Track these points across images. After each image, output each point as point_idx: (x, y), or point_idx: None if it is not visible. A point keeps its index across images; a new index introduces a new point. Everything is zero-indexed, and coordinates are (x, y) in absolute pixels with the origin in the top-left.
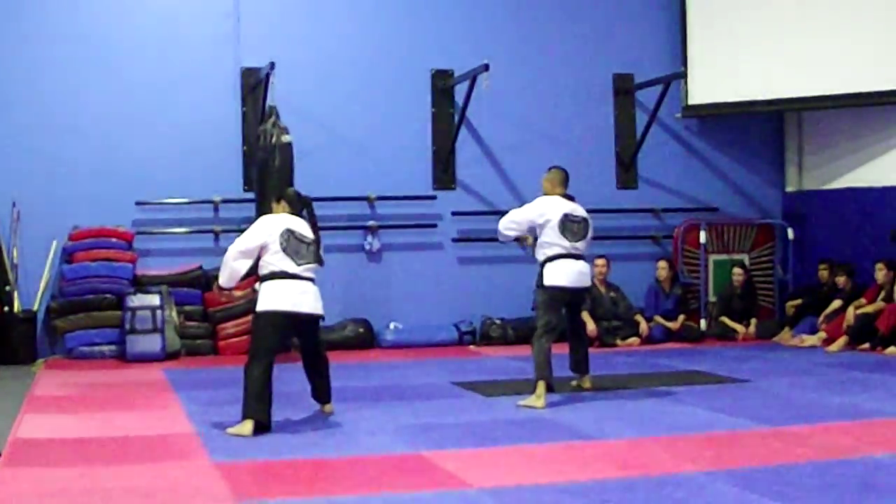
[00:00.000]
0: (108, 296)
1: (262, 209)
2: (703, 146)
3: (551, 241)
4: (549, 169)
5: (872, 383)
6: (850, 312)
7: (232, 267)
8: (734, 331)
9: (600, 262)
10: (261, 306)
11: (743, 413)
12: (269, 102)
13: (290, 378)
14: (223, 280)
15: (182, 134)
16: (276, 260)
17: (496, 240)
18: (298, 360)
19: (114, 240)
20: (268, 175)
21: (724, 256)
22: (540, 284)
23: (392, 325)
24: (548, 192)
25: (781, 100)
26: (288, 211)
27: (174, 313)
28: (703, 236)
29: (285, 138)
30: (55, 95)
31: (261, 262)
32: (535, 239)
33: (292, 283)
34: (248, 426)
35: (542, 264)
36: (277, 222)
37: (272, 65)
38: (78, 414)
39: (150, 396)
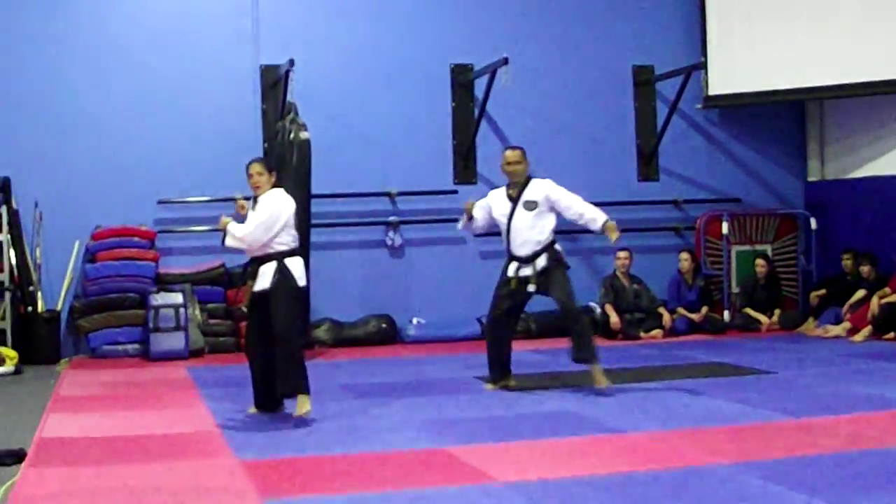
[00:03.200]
0: (131, 295)
1: None
2: (724, 137)
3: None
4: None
5: None
6: (875, 302)
7: (255, 240)
8: (758, 322)
9: (623, 254)
10: (300, 281)
11: (767, 405)
12: (288, 99)
13: (311, 373)
14: (234, 244)
15: (202, 132)
16: (292, 238)
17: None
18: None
19: (136, 239)
20: (285, 172)
21: (746, 247)
22: (565, 265)
23: (414, 321)
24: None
25: (802, 89)
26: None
27: (197, 311)
28: (725, 227)
29: (303, 135)
30: (75, 96)
31: (275, 240)
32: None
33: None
34: (309, 402)
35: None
36: (290, 201)
37: (291, 62)
38: (102, 413)
39: (174, 394)
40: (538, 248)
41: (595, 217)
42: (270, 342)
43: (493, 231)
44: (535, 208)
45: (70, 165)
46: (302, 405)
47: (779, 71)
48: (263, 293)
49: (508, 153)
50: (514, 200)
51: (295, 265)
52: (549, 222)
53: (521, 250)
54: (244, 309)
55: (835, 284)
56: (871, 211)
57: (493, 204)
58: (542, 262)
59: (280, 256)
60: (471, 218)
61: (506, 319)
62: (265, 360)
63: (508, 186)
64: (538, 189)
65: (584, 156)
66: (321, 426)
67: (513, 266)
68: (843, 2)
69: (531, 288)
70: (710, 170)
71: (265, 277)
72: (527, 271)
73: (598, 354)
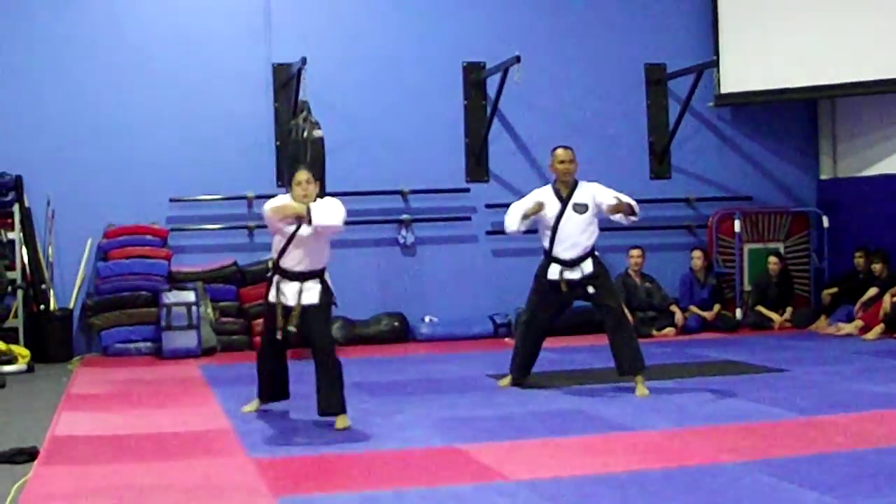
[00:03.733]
0: (143, 293)
1: None
2: (736, 135)
3: None
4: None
5: None
6: (887, 300)
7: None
8: (770, 320)
9: (635, 252)
10: (333, 297)
11: (779, 402)
12: (300, 97)
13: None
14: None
15: (215, 130)
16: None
17: (530, 231)
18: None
19: (148, 237)
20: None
21: (758, 245)
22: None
23: (427, 319)
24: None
25: (814, 87)
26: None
27: (210, 309)
28: (737, 225)
29: (316, 133)
30: (87, 94)
31: (324, 249)
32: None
33: None
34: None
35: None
36: None
37: (304, 60)
38: (115, 411)
39: (187, 393)
40: (585, 252)
41: (633, 202)
42: (284, 351)
43: (504, 229)
44: (585, 211)
45: (82, 163)
46: (343, 421)
47: (791, 69)
48: (305, 308)
49: (562, 151)
50: (563, 201)
51: (329, 281)
52: (596, 226)
53: (568, 253)
54: (293, 329)
55: (847, 282)
56: (883, 209)
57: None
58: (588, 266)
59: (322, 273)
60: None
61: (546, 322)
62: (279, 365)
63: (556, 185)
64: (587, 192)
65: (596, 154)
66: (333, 424)
67: (555, 268)
68: (855, 0)
69: (591, 290)
70: (722, 168)
71: (311, 293)
72: (573, 275)
73: (644, 364)
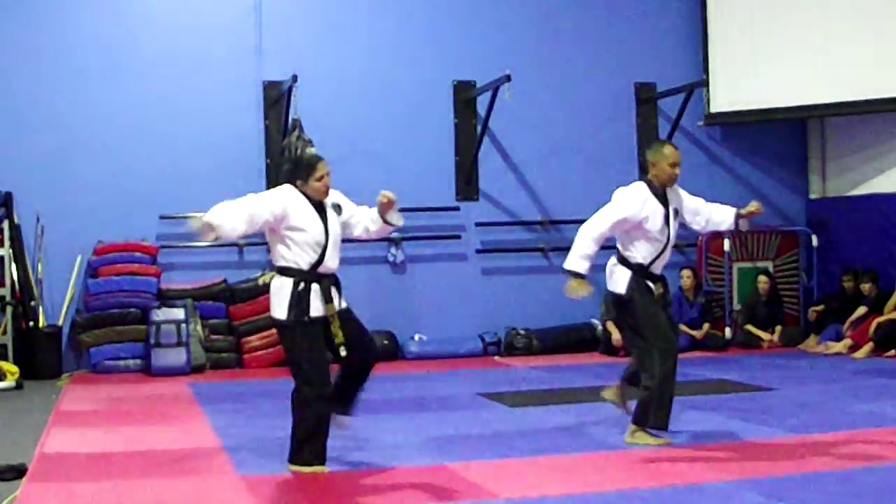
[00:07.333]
0: (132, 310)
1: None
2: (725, 154)
3: None
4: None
5: None
6: (874, 325)
7: None
8: (759, 338)
9: None
10: None
11: (769, 421)
12: (291, 115)
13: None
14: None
15: (205, 148)
16: None
17: (520, 250)
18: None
19: (138, 254)
20: None
21: (748, 264)
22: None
23: (416, 337)
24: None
25: (804, 107)
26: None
27: (199, 327)
28: (726, 244)
29: (310, 151)
30: (77, 111)
31: None
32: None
33: None
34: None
35: None
36: None
37: (295, 77)
38: (104, 428)
39: (176, 410)
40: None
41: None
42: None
43: (494, 248)
44: (677, 217)
45: (72, 180)
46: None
47: (780, 88)
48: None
49: (674, 151)
50: (667, 206)
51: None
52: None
53: (660, 268)
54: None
55: (836, 301)
56: (871, 228)
57: (647, 207)
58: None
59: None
60: None
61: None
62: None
63: (655, 187)
64: (675, 196)
65: (587, 172)
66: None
67: (649, 283)
68: (844, 20)
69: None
70: (711, 186)
71: (336, 298)
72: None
73: None
